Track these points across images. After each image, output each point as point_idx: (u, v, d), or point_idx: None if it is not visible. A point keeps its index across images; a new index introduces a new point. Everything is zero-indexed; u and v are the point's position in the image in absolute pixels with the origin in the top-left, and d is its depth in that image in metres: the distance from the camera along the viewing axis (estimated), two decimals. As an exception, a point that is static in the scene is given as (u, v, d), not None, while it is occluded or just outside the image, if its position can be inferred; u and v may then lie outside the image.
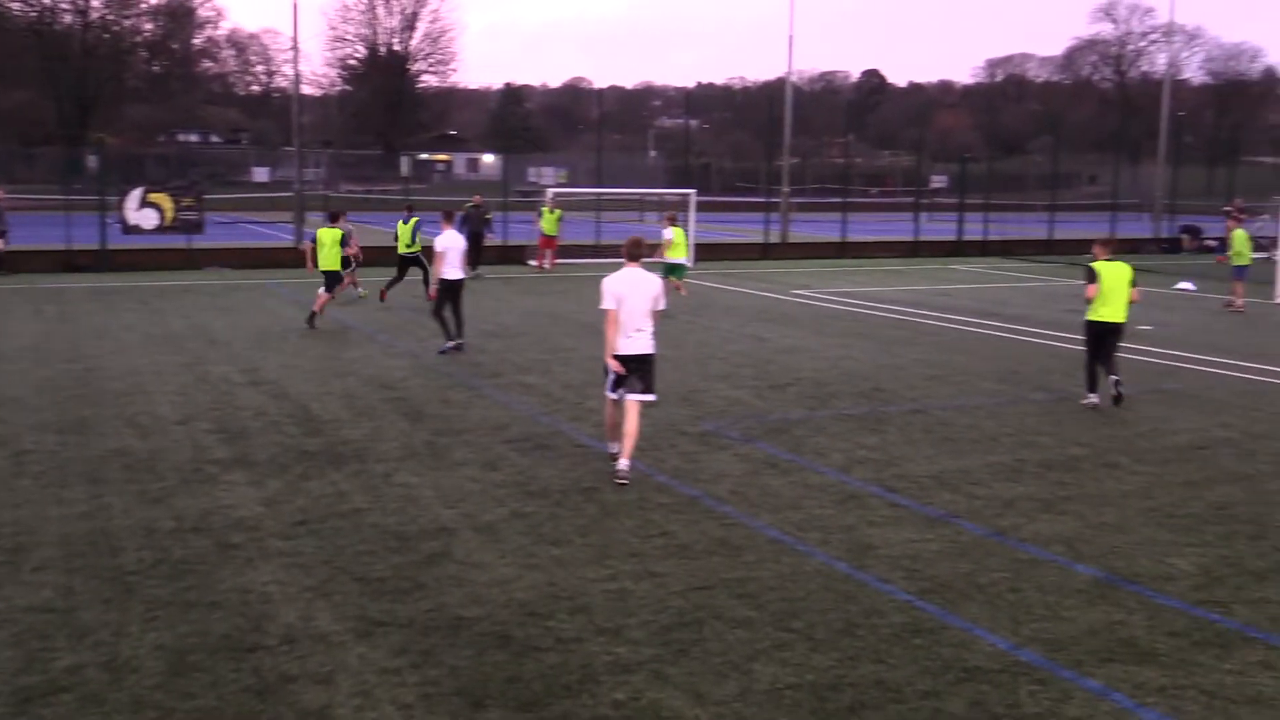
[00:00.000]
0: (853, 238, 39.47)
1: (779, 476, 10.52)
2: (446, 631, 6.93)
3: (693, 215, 34.35)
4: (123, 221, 30.54)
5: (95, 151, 38.54)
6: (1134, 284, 13.70)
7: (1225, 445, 11.99)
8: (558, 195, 34.14)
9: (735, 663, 6.58)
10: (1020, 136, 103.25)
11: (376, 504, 9.48)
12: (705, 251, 35.37)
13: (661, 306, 10.38)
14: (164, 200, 30.95)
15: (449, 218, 17.28)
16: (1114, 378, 13.67)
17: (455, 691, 6.17)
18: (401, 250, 23.47)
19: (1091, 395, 13.77)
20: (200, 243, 31.73)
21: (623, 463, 10.23)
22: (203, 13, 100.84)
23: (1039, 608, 7.45)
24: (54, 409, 12.91)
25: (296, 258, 32.28)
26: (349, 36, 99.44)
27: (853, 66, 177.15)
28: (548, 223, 31.64)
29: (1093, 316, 13.75)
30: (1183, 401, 14.26)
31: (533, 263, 32.72)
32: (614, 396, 10.33)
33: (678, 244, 23.53)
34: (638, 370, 10.20)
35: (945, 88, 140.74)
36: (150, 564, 8.01)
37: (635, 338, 10.17)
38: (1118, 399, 13.59)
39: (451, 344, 16.95)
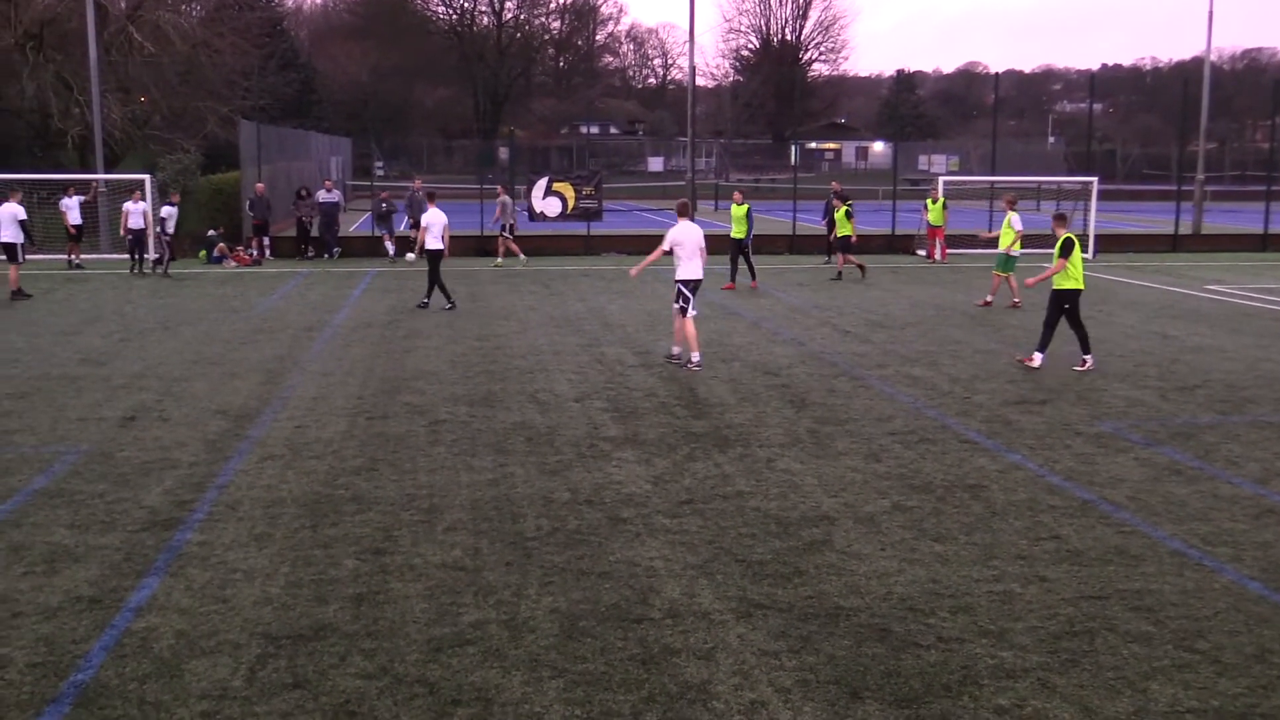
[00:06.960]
0: (1278, 230, 36.11)
1: (1185, 484, 9.80)
2: (825, 619, 6.93)
3: (1094, 204, 32.61)
4: (530, 209, 32.54)
5: (506, 143, 41.19)
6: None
7: None
8: (948, 184, 33.29)
9: (1130, 679, 6.20)
10: None
11: (759, 488, 9.61)
12: (1107, 242, 33.49)
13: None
14: (567, 189, 32.73)
15: (432, 198, 21.62)
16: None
17: (833, 680, 6.15)
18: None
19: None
20: (598, 229, 33.29)
21: None
22: (605, 9, 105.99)
23: None
24: (465, 383, 13.93)
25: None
26: (742, 28, 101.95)
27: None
28: (934, 213, 30.82)
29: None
30: None
31: (921, 253, 32.08)
32: None
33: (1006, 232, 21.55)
34: None
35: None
36: (547, 532, 8.49)
37: None
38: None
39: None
